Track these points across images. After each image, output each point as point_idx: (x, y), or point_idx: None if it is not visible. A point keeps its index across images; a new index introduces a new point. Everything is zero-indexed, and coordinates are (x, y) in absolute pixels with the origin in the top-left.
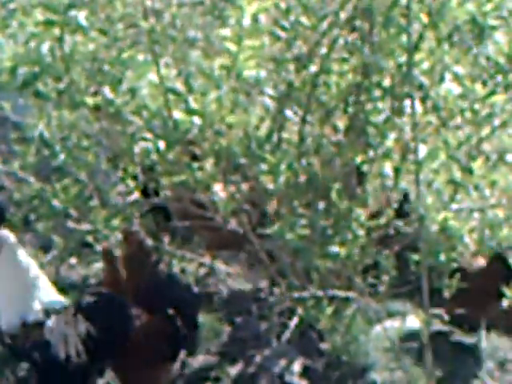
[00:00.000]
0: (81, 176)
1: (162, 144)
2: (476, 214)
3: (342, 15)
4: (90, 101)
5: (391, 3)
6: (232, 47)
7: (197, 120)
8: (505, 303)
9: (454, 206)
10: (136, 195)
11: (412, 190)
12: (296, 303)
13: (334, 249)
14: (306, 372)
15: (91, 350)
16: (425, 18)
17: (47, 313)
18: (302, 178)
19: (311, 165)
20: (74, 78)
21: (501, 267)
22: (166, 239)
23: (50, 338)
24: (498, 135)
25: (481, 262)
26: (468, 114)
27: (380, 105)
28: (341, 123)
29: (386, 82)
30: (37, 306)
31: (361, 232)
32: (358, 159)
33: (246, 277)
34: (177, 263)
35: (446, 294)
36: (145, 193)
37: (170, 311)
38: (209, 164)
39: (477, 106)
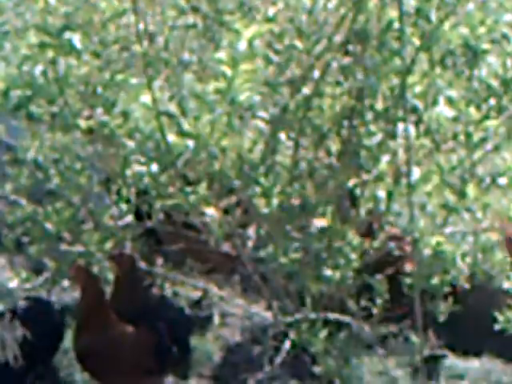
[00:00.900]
0: (74, 199)
1: (155, 167)
2: (469, 238)
3: (336, 38)
4: (83, 123)
5: (384, 27)
6: (227, 71)
7: (190, 143)
8: (497, 327)
9: (447, 229)
10: (129, 218)
11: (405, 213)
12: (289, 326)
13: (327, 272)
14: None
15: (28, 354)
16: (418, 42)
17: None
18: (296, 202)
19: (304, 188)
20: (67, 101)
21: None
22: (159, 262)
23: None
24: (491, 158)
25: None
26: (461, 138)
27: (373, 128)
28: (334, 146)
29: (380, 105)
30: None
31: (354, 255)
32: (351, 182)
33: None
34: (169, 286)
35: (440, 317)
36: (138, 216)
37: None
38: (202, 187)
39: (470, 130)
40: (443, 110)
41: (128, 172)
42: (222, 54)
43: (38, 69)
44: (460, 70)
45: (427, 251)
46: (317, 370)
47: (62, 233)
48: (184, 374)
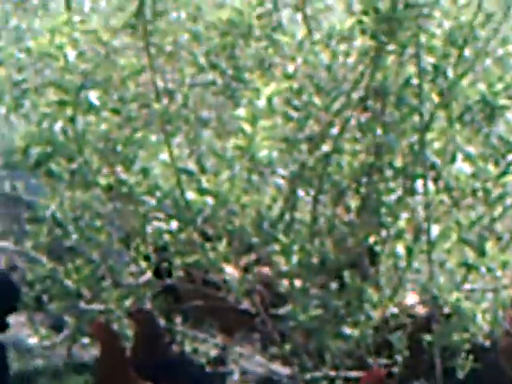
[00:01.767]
0: (93, 256)
1: (174, 224)
2: (489, 295)
3: (354, 95)
4: (102, 181)
5: (403, 83)
6: (247, 128)
7: (209, 200)
8: None
9: (467, 286)
10: (148, 275)
11: (425, 270)
12: None
13: (347, 329)
14: None
15: None
16: (436, 98)
17: None
18: (315, 259)
19: (324, 245)
20: (86, 158)
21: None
22: (178, 320)
23: None
24: (510, 215)
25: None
26: (480, 194)
27: (392, 184)
28: (353, 203)
29: (398, 162)
30: None
31: (373, 313)
32: (371, 239)
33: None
34: (189, 343)
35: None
36: (157, 273)
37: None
38: (221, 244)
39: (489, 186)
40: (462, 167)
41: (147, 229)
42: (241, 111)
43: (58, 126)
44: (478, 126)
45: (447, 308)
46: None
47: (81, 290)
48: None
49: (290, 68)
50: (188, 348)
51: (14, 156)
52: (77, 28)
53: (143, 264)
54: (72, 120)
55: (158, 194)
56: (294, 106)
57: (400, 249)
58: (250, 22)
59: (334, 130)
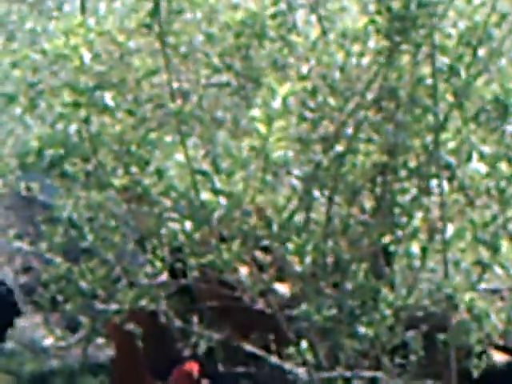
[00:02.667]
0: (108, 257)
1: (189, 225)
2: (504, 294)
3: (369, 95)
4: (117, 182)
5: (417, 83)
6: (262, 128)
7: (223, 201)
8: None
9: (482, 285)
10: (163, 276)
11: (440, 269)
12: None
13: (362, 329)
14: None
15: None
16: (451, 98)
17: None
18: (329, 259)
19: (338, 245)
20: (101, 159)
21: None
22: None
23: None
24: None
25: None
26: (494, 193)
27: (407, 184)
28: (368, 203)
29: (413, 162)
30: None
31: (388, 312)
32: (386, 239)
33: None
34: (204, 343)
35: (475, 374)
36: (172, 273)
37: None
38: (236, 244)
39: (503, 185)
40: (477, 166)
41: (162, 230)
42: (256, 112)
43: (72, 127)
44: (493, 125)
45: (462, 308)
46: None
47: (96, 291)
48: None
49: (304, 68)
50: (203, 348)
51: (28, 157)
52: (91, 29)
53: (158, 264)
54: (87, 121)
55: (173, 194)
56: (309, 106)
57: (415, 248)
58: (264, 22)
59: (349, 130)
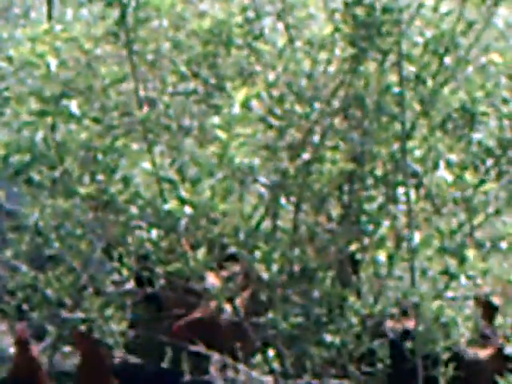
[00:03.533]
0: (74, 265)
1: (155, 233)
2: (471, 302)
3: (335, 103)
4: (83, 190)
5: (383, 91)
6: (222, 135)
7: (188, 210)
8: None
9: (449, 293)
10: (130, 284)
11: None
12: None
13: (329, 337)
14: None
15: None
16: (417, 106)
17: None
18: (296, 266)
19: (305, 253)
20: (67, 167)
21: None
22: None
23: None
24: (491, 222)
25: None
26: (461, 202)
27: (373, 192)
28: (334, 211)
29: (380, 170)
30: None
31: (355, 320)
32: (352, 247)
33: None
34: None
35: (442, 382)
36: (139, 282)
37: None
38: (201, 252)
39: (470, 194)
40: (443, 174)
41: (129, 238)
42: (215, 119)
43: (39, 135)
44: (459, 133)
45: (428, 316)
46: None
47: (62, 299)
48: None
49: (271, 76)
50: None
51: None
52: (58, 37)
53: (125, 272)
54: (53, 128)
55: (139, 202)
56: (275, 113)
57: (381, 256)
58: (231, 30)
59: (315, 138)
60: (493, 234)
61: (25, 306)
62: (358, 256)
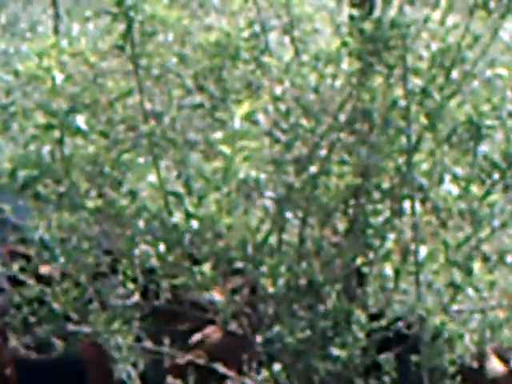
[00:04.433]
0: (81, 279)
1: (161, 246)
2: (476, 315)
3: (341, 117)
4: (90, 203)
5: (390, 105)
6: (226, 150)
7: (195, 224)
8: None
9: (455, 307)
10: (136, 298)
11: (412, 291)
12: None
13: (335, 351)
14: None
15: None
16: (424, 120)
17: None
18: (302, 280)
19: (311, 267)
20: (73, 181)
21: None
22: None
23: None
24: (497, 236)
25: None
26: (467, 215)
27: (380, 206)
28: (341, 225)
29: (386, 184)
30: None
31: (361, 334)
32: (358, 261)
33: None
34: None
35: None
36: (145, 295)
37: None
38: (207, 267)
39: (476, 207)
40: (449, 188)
41: (135, 251)
42: (219, 134)
43: (45, 149)
44: (466, 147)
45: (434, 329)
46: None
47: (69, 313)
48: None
49: (278, 90)
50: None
51: (1, 178)
52: (64, 51)
53: (131, 286)
54: (59, 143)
55: (145, 216)
56: (282, 127)
57: (387, 270)
58: (238, 44)
59: (322, 152)
60: (499, 248)
61: (31, 320)
62: (364, 270)
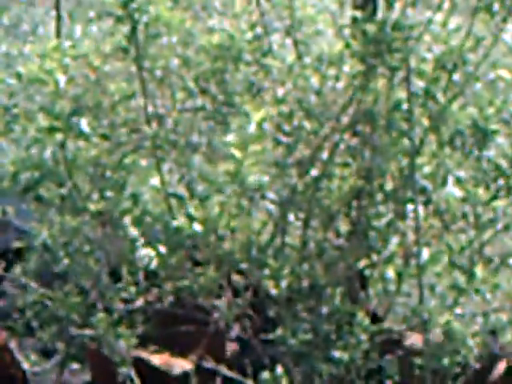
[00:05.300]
0: (83, 282)
1: (164, 249)
2: (479, 318)
3: (344, 119)
4: (92, 206)
5: (393, 107)
6: (237, 153)
7: (198, 226)
8: None
9: (457, 310)
10: (139, 301)
11: (415, 293)
12: None
13: (337, 353)
14: None
15: None
16: (426, 122)
17: None
18: (305, 283)
19: (314, 269)
20: (76, 184)
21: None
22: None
23: None
24: (500, 239)
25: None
26: (470, 218)
27: (382, 209)
28: (343, 227)
29: (388, 186)
30: None
31: (364, 337)
32: (361, 263)
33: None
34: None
35: None
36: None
37: None
38: (210, 269)
39: (479, 210)
40: (452, 191)
41: (137, 254)
42: (230, 137)
43: (48, 152)
44: (469, 150)
45: (437, 331)
46: None
47: (71, 316)
48: None
49: (280, 92)
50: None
51: (3, 181)
52: (67, 53)
53: (133, 289)
54: (62, 145)
55: (148, 219)
56: (284, 130)
57: (390, 273)
58: (240, 46)
59: (324, 155)
60: (502, 251)
61: (34, 323)
62: (367, 272)
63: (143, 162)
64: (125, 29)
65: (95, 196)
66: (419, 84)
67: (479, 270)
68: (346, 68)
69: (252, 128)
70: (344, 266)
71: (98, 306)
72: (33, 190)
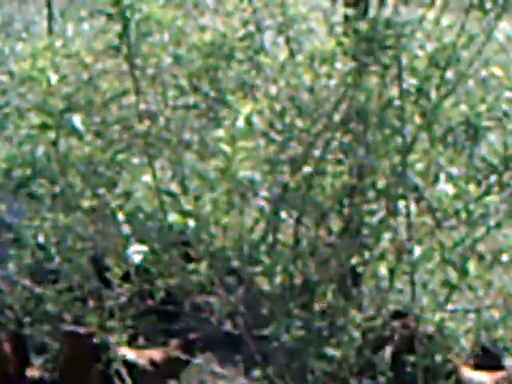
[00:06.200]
0: (75, 279)
1: (156, 246)
2: (472, 315)
3: (336, 117)
4: (85, 204)
5: (385, 105)
6: (226, 148)
7: (191, 222)
8: None
9: (450, 306)
10: (131, 298)
11: (407, 290)
12: None
13: (330, 350)
14: None
15: None
16: (419, 120)
17: None
18: (298, 280)
19: (306, 266)
20: (69, 181)
21: None
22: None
23: None
24: (492, 236)
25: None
26: (462, 215)
27: (374, 206)
28: (335, 225)
29: (381, 184)
30: None
31: (356, 333)
32: (353, 260)
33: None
34: None
35: None
36: (140, 295)
37: None
38: (203, 266)
39: (471, 207)
40: (444, 188)
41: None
42: (220, 132)
43: (40, 149)
44: (461, 147)
45: (429, 328)
46: None
47: (63, 313)
48: None
49: (273, 90)
50: None
51: None
52: (59, 51)
53: (125, 286)
54: (54, 143)
55: (140, 216)
56: (276, 127)
57: (383, 269)
58: (233, 44)
59: (316, 152)
60: (494, 247)
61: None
62: (359, 269)
63: (135, 160)
64: (116, 27)
65: (88, 193)
66: (411, 81)
67: (472, 267)
68: (339, 66)
69: (240, 122)
70: (336, 263)
71: (90, 302)
72: (25, 187)
